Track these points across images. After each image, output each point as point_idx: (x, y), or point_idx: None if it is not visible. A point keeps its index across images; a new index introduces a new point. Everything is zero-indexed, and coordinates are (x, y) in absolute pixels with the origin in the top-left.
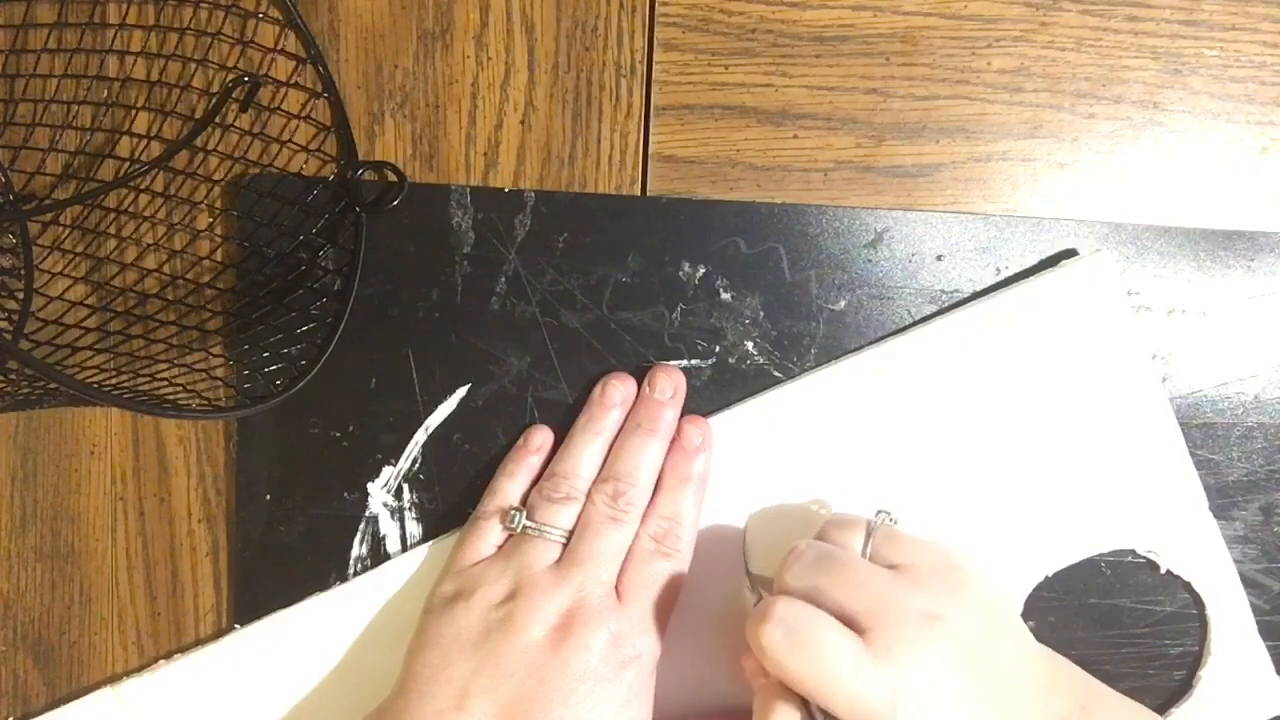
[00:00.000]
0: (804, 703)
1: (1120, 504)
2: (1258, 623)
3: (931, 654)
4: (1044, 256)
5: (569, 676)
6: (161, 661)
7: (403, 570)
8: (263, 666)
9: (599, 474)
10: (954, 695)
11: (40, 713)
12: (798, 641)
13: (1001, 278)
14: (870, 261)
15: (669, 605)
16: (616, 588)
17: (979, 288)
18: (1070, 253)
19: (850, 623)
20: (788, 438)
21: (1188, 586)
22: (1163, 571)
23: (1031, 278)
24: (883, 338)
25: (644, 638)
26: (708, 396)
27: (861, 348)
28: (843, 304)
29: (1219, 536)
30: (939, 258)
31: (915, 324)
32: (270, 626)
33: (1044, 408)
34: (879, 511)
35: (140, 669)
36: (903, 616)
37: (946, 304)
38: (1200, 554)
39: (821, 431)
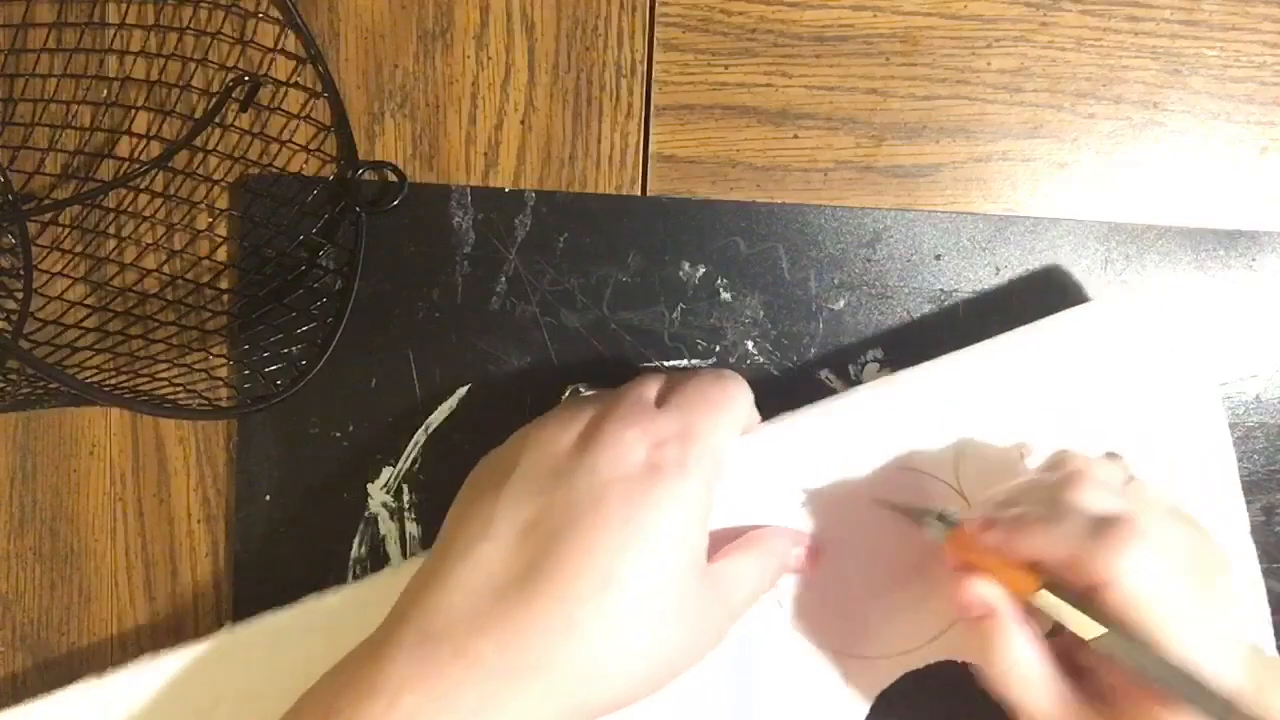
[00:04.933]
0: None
1: None
2: None
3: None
4: (1044, 257)
5: (596, 481)
6: (163, 651)
7: (402, 572)
8: (262, 666)
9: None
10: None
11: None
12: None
13: (1001, 278)
14: (870, 261)
15: (722, 422)
16: (657, 402)
17: (978, 287)
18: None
19: None
20: (842, 450)
21: None
22: None
23: (1093, 301)
24: (943, 354)
25: (691, 445)
26: None
27: (918, 364)
28: (842, 303)
29: (1255, 559)
30: (938, 257)
31: (976, 344)
32: (270, 626)
33: (1102, 430)
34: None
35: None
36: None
37: (945, 304)
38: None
39: (875, 445)
